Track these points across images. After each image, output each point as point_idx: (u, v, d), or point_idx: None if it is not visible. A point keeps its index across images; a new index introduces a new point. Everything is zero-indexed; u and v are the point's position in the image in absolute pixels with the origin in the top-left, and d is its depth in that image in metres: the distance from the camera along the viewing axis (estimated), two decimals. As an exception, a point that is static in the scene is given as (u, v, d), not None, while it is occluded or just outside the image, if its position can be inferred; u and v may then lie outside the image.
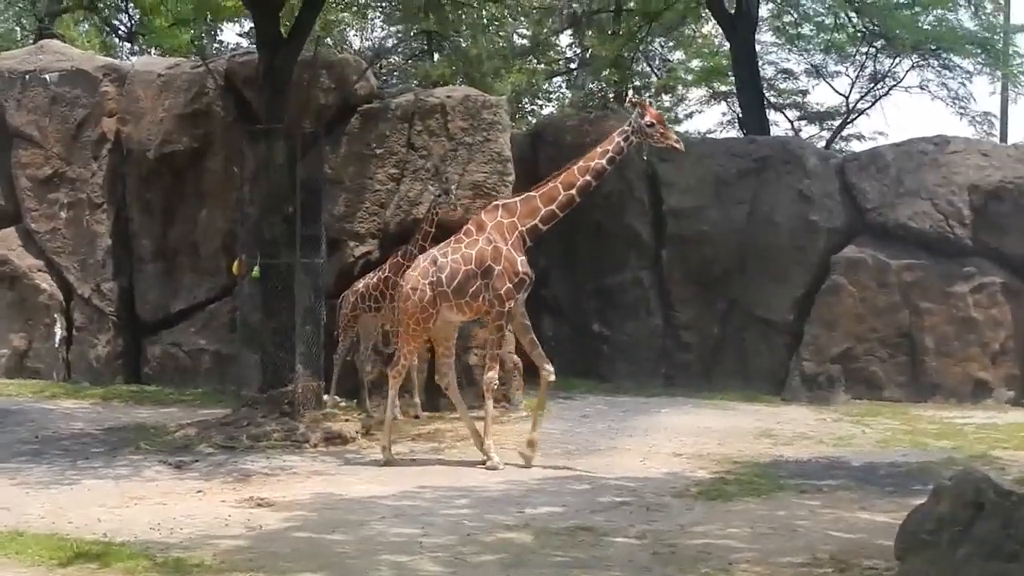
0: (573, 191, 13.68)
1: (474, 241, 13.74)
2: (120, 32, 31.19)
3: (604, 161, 13.72)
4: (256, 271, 16.31)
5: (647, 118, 13.62)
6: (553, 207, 13.69)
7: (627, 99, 14.27)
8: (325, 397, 16.96)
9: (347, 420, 15.82)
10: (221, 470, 13.10)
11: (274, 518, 10.56)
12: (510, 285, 13.53)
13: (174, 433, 15.10)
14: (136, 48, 30.94)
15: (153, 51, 29.36)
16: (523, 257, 13.68)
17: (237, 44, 33.07)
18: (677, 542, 9.65)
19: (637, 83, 36.82)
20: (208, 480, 12.55)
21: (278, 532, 9.97)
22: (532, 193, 13.88)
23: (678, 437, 15.82)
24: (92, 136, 21.34)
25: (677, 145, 14.09)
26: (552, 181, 13.83)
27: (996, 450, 14.93)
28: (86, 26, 33.19)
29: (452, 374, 14.41)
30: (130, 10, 22.21)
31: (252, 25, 20.26)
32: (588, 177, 13.70)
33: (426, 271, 13.85)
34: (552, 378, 13.82)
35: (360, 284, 17.76)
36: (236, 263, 17.03)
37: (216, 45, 33.15)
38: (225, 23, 30.97)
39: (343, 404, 17.88)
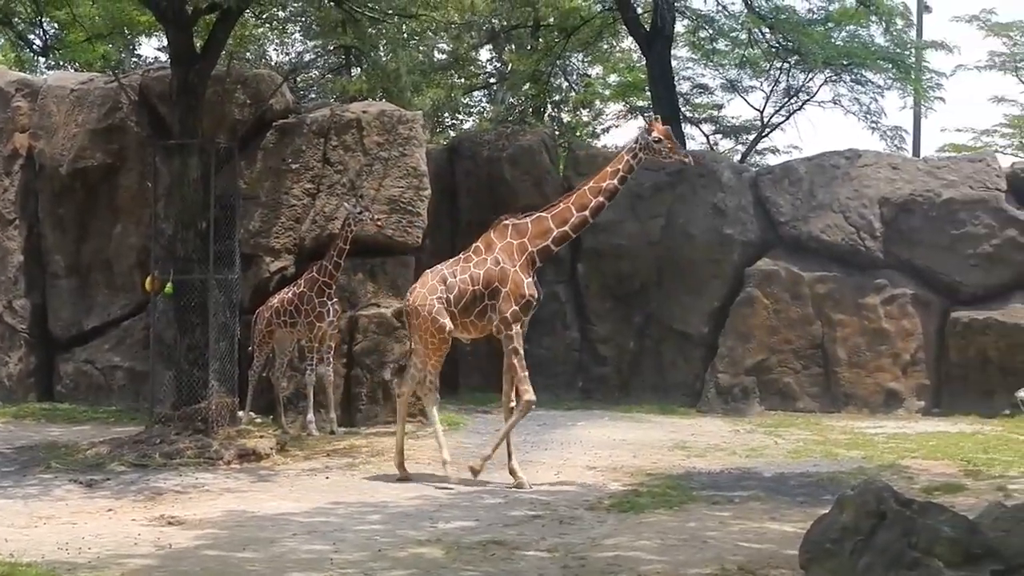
0: (586, 212, 13.59)
1: (482, 261, 13.63)
2: (35, 46, 30.82)
3: (616, 181, 13.64)
4: (169, 287, 16.21)
5: (654, 134, 13.58)
6: (566, 228, 13.61)
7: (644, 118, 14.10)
8: (240, 413, 16.88)
9: (261, 436, 15.74)
10: (132, 488, 13.00)
11: (184, 536, 10.48)
12: (516, 307, 13.47)
13: (86, 451, 14.95)
14: (51, 62, 30.58)
15: (69, 66, 29.06)
16: (531, 279, 13.57)
17: (155, 58, 32.79)
18: (588, 555, 9.71)
19: (556, 98, 37.01)
20: (119, 499, 12.46)
21: (188, 550, 9.90)
22: (543, 214, 13.76)
23: (593, 450, 15.92)
24: (4, 151, 21.13)
25: (686, 160, 14.23)
26: (564, 202, 13.75)
27: (905, 459, 15.17)
28: (0, 40, 32.81)
29: (414, 385, 14.17)
30: (45, 24, 21.89)
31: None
32: (601, 198, 13.61)
33: (434, 288, 13.66)
34: (532, 405, 13.66)
35: (275, 299, 17.72)
36: (149, 279, 16.90)
37: (134, 59, 32.87)
38: (143, 37, 30.66)
39: (258, 420, 17.82)
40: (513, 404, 13.69)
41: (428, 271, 14.17)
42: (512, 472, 13.44)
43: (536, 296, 13.65)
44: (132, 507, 12.01)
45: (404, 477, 13.69)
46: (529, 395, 13.48)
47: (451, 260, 14.08)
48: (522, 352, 13.65)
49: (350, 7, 20.54)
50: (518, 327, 13.52)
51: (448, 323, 13.54)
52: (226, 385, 16.17)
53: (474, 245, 14.00)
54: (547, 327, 22.37)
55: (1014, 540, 7.35)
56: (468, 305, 13.56)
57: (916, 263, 21.27)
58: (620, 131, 53.10)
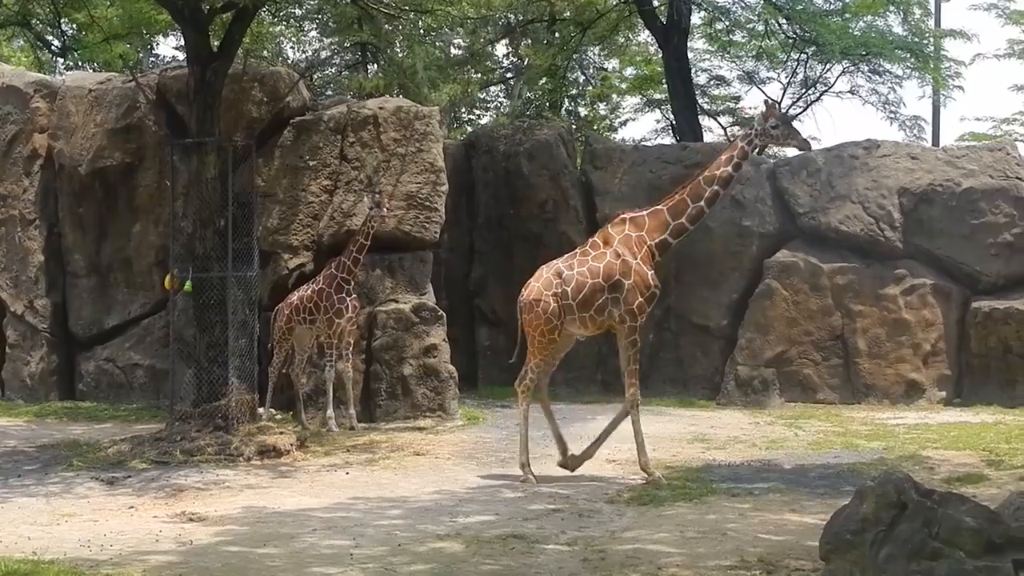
0: (702, 202, 13.34)
1: (601, 255, 13.41)
2: (53, 47, 30.98)
3: (730, 168, 13.41)
4: (189, 285, 16.23)
5: (771, 120, 13.46)
6: (683, 220, 13.36)
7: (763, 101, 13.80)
8: (260, 410, 16.93)
9: (281, 433, 15.75)
10: (153, 485, 13.05)
11: (205, 533, 10.53)
12: (642, 299, 13.28)
13: (107, 449, 15.01)
14: (70, 63, 30.70)
15: (87, 66, 29.16)
16: (653, 271, 13.39)
17: (172, 57, 32.92)
18: (607, 548, 9.73)
19: (573, 92, 37.00)
20: (140, 496, 12.51)
21: (209, 547, 9.94)
22: (660, 207, 13.53)
23: (613, 443, 15.77)
24: (23, 152, 21.21)
25: (804, 145, 14.03)
26: (680, 193, 13.51)
27: (927, 450, 15.12)
28: (20, 42, 32.92)
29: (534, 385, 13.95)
30: (63, 25, 22.03)
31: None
32: (716, 187, 13.37)
33: (549, 282, 13.47)
34: (637, 400, 13.65)
35: (295, 296, 17.75)
36: (169, 277, 16.93)
37: (152, 59, 32.99)
38: (160, 37, 30.76)
39: (278, 417, 17.86)
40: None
41: (544, 266, 13.94)
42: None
43: (659, 288, 13.50)
44: (153, 504, 12.06)
45: (573, 467, 13.54)
46: (634, 393, 13.43)
47: (567, 255, 13.91)
48: (639, 347, 13.58)
49: (366, 3, 20.55)
50: (642, 320, 13.37)
51: (558, 323, 13.40)
52: (246, 382, 16.20)
53: (591, 240, 13.84)
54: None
55: (1035, 530, 7.33)
56: (588, 299, 13.31)
57: (936, 253, 21.21)
58: (638, 124, 53.04)
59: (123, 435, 16.16)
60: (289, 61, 34.38)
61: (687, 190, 13.47)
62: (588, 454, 13.73)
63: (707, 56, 33.29)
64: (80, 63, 29.98)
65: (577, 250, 13.90)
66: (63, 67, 31.28)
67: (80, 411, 19.52)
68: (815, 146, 22.39)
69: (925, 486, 7.98)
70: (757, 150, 13.72)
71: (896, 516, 7.54)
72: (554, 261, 13.88)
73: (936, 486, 9.83)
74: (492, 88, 38.94)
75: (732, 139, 13.92)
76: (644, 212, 13.64)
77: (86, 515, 11.49)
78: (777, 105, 13.45)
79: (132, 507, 11.92)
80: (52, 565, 9.10)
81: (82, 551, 9.77)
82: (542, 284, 13.52)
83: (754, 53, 29.82)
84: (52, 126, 21.09)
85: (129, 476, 13.62)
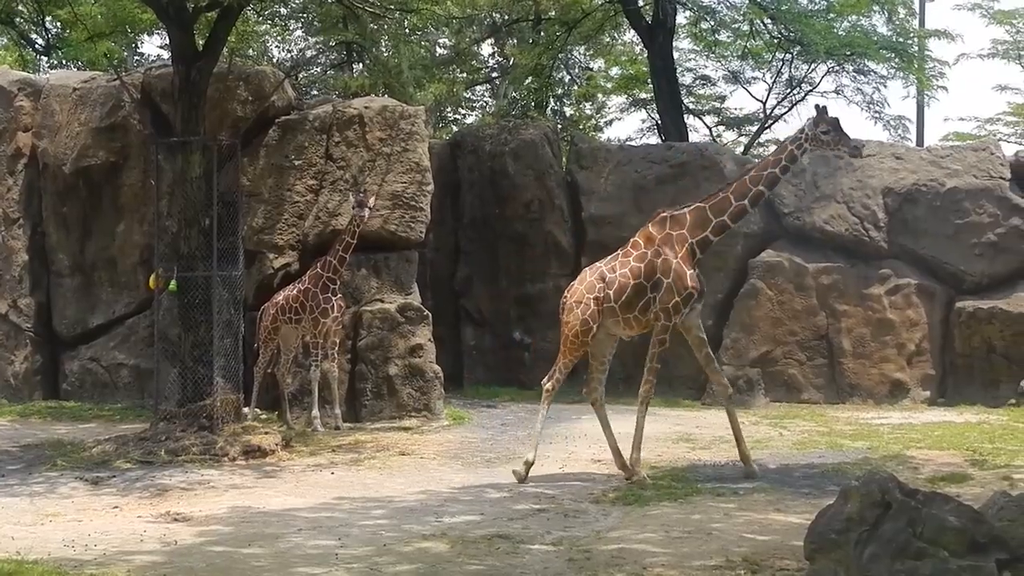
0: (745, 202, 13.20)
1: (643, 254, 13.29)
2: (37, 46, 30.87)
3: (777, 171, 13.25)
4: (173, 285, 16.20)
5: (822, 125, 13.22)
6: (724, 218, 13.20)
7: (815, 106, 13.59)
8: (245, 410, 16.92)
9: (266, 433, 15.74)
10: (138, 485, 13.02)
11: (190, 533, 10.52)
12: (678, 299, 13.10)
13: (91, 449, 14.97)
14: (54, 61, 30.62)
15: (71, 65, 29.06)
16: (693, 271, 13.22)
17: (157, 56, 32.84)
18: (592, 548, 9.73)
19: (558, 91, 37.01)
20: (125, 496, 12.49)
21: (193, 547, 9.93)
22: (701, 204, 13.39)
23: (598, 443, 15.83)
24: (7, 151, 21.16)
25: (855, 152, 13.85)
26: (723, 192, 13.40)
27: (911, 449, 15.16)
28: (4, 40, 32.81)
29: (601, 389, 13.95)
30: (47, 23, 21.95)
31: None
32: (761, 187, 13.22)
33: (592, 286, 13.40)
34: (730, 391, 13.87)
35: (280, 296, 17.72)
36: (153, 277, 16.90)
37: (136, 58, 32.91)
38: (145, 36, 30.69)
39: (263, 417, 17.84)
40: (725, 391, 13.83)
41: (587, 268, 13.90)
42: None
43: (698, 288, 13.31)
44: (138, 504, 12.04)
45: (630, 476, 13.29)
46: (648, 390, 13.53)
47: (610, 256, 13.80)
48: (667, 347, 13.54)
49: (351, 3, 20.56)
50: (676, 320, 13.19)
51: (594, 326, 13.35)
52: (231, 382, 16.19)
53: (632, 239, 13.67)
54: (552, 320, 22.24)
55: (1019, 529, 7.36)
56: (631, 300, 13.22)
57: (920, 253, 21.27)
58: (623, 123, 53.10)
59: (107, 435, 16.10)
60: (274, 60, 34.32)
61: (731, 188, 13.36)
62: (635, 460, 13.54)
63: (692, 56, 33.47)
64: (64, 62, 29.88)
65: (619, 251, 13.73)
66: (47, 66, 31.20)
67: (64, 411, 19.47)
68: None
69: (909, 486, 8.02)
70: (805, 154, 13.55)
71: (880, 516, 7.56)
72: (597, 263, 13.83)
73: (920, 486, 9.85)
74: (478, 88, 38.99)
75: (782, 142, 13.79)
76: (685, 209, 13.50)
77: (70, 515, 11.46)
78: (827, 110, 13.27)
79: (116, 507, 11.89)
80: (36, 565, 9.08)
81: (66, 551, 9.75)
82: (585, 287, 13.49)
83: (739, 53, 29.89)
84: (36, 125, 21.04)
85: (113, 476, 13.59)
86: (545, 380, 13.81)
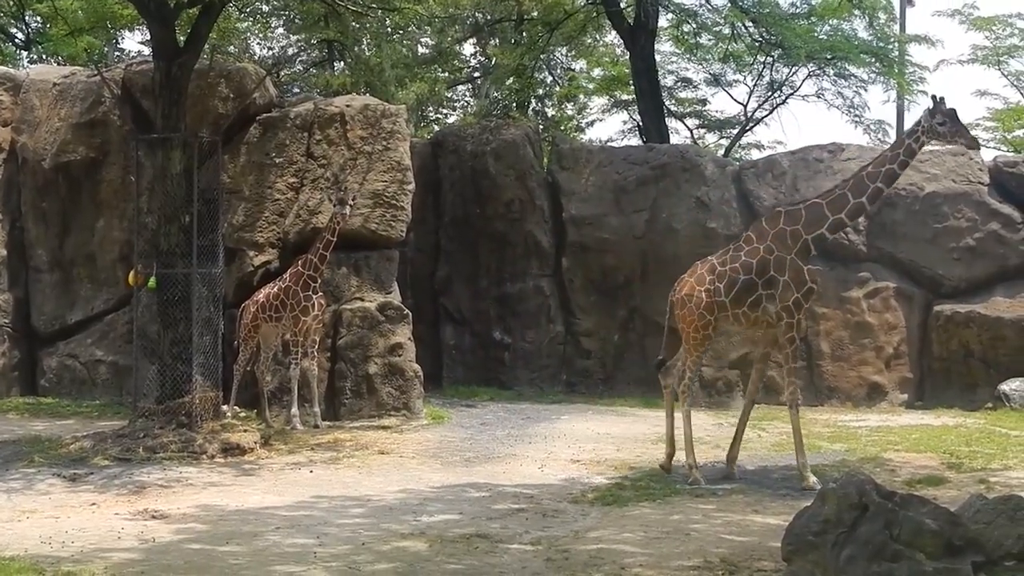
0: (863, 198, 12.94)
1: (755, 250, 13.09)
2: (17, 40, 30.78)
3: (895, 166, 12.94)
4: (153, 281, 16.16)
5: (938, 117, 12.89)
6: (842, 215, 12.98)
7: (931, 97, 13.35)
8: (224, 408, 16.87)
9: (245, 431, 15.74)
10: (116, 482, 12.97)
11: (167, 530, 10.49)
12: (798, 295, 12.96)
13: (69, 446, 14.91)
14: (34, 56, 30.53)
15: (52, 60, 28.99)
16: (809, 266, 13.10)
17: (138, 52, 32.75)
18: (571, 548, 9.75)
19: (540, 92, 37.05)
20: (102, 493, 12.43)
21: (171, 544, 9.91)
22: (818, 199, 13.24)
23: (577, 443, 15.94)
24: (-14, 146, 21.03)
25: (973, 144, 13.64)
26: (841, 188, 13.17)
27: (888, 452, 15.21)
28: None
29: (693, 384, 13.93)
30: (27, 18, 21.95)
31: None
32: (880, 183, 12.93)
33: (702, 278, 13.27)
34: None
35: (261, 294, 17.68)
36: (132, 273, 16.85)
37: (117, 53, 32.83)
38: (125, 31, 30.64)
39: (242, 414, 17.78)
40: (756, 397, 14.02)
41: (698, 262, 13.73)
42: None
43: (817, 284, 13.24)
44: (116, 501, 11.99)
45: (695, 479, 13.20)
46: (793, 392, 13.37)
47: (721, 250, 13.70)
48: (799, 344, 13.44)
49: (333, 1, 20.52)
50: (800, 316, 13.07)
51: (711, 318, 13.19)
52: (210, 379, 16.16)
53: (745, 234, 13.58)
54: (531, 320, 22.41)
55: (995, 532, 7.40)
56: (740, 295, 13.03)
57: (899, 256, 21.35)
58: (605, 125, 53.14)
59: (85, 431, 16.05)
60: (256, 57, 34.31)
61: (849, 184, 13.13)
62: (732, 456, 13.73)
63: (674, 58, 33.54)
64: (45, 56, 29.80)
65: (731, 245, 13.66)
66: (27, 60, 31.10)
67: (42, 407, 19.38)
68: (780, 149, 22.48)
69: (886, 488, 8.07)
70: (923, 147, 13.37)
71: (857, 518, 7.61)
72: (709, 257, 13.71)
73: (897, 488, 9.90)
74: (459, 87, 38.98)
75: (898, 137, 13.52)
76: (801, 205, 13.38)
77: (47, 512, 11.41)
78: (944, 100, 13.07)
79: (94, 504, 11.84)
80: (12, 562, 9.05)
81: (43, 548, 9.71)
82: (695, 279, 13.37)
83: (721, 56, 29.93)
84: (16, 120, 20.95)
85: (91, 473, 13.54)
86: (676, 382, 13.79)
